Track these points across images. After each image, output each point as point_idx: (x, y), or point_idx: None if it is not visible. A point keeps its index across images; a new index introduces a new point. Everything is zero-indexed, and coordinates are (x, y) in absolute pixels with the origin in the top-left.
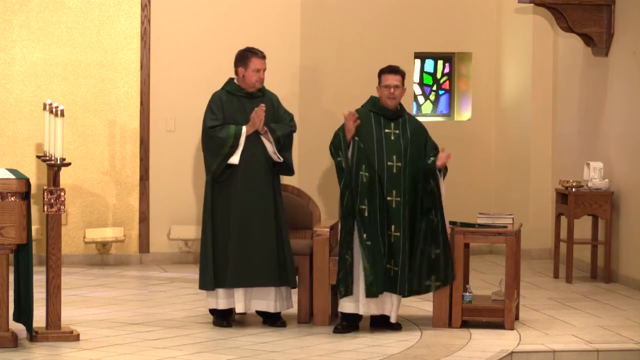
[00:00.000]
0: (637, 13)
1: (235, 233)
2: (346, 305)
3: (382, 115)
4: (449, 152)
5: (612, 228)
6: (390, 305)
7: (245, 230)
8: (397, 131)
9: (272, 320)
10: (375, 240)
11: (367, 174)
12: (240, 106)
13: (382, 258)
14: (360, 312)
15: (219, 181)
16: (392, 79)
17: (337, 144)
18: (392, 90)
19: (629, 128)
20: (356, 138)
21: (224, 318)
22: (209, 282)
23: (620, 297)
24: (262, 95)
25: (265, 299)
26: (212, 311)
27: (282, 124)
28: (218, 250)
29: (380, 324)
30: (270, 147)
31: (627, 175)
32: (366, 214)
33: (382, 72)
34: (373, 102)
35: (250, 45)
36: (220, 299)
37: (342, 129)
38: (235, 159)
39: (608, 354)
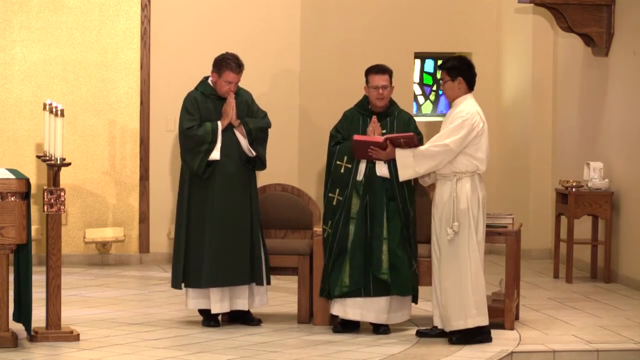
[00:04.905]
0: (637, 13)
1: (211, 233)
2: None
3: (370, 116)
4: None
5: (612, 228)
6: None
7: (221, 231)
8: (384, 131)
9: (244, 320)
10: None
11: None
12: (214, 107)
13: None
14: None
15: (204, 178)
16: (379, 80)
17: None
18: (380, 90)
19: (629, 128)
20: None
21: (211, 318)
22: (178, 281)
23: (620, 297)
24: (236, 95)
25: (240, 298)
26: (201, 311)
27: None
28: (191, 250)
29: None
30: (244, 143)
31: (627, 175)
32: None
33: (369, 72)
34: (362, 104)
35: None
36: (190, 299)
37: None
38: (216, 155)
39: (608, 354)
